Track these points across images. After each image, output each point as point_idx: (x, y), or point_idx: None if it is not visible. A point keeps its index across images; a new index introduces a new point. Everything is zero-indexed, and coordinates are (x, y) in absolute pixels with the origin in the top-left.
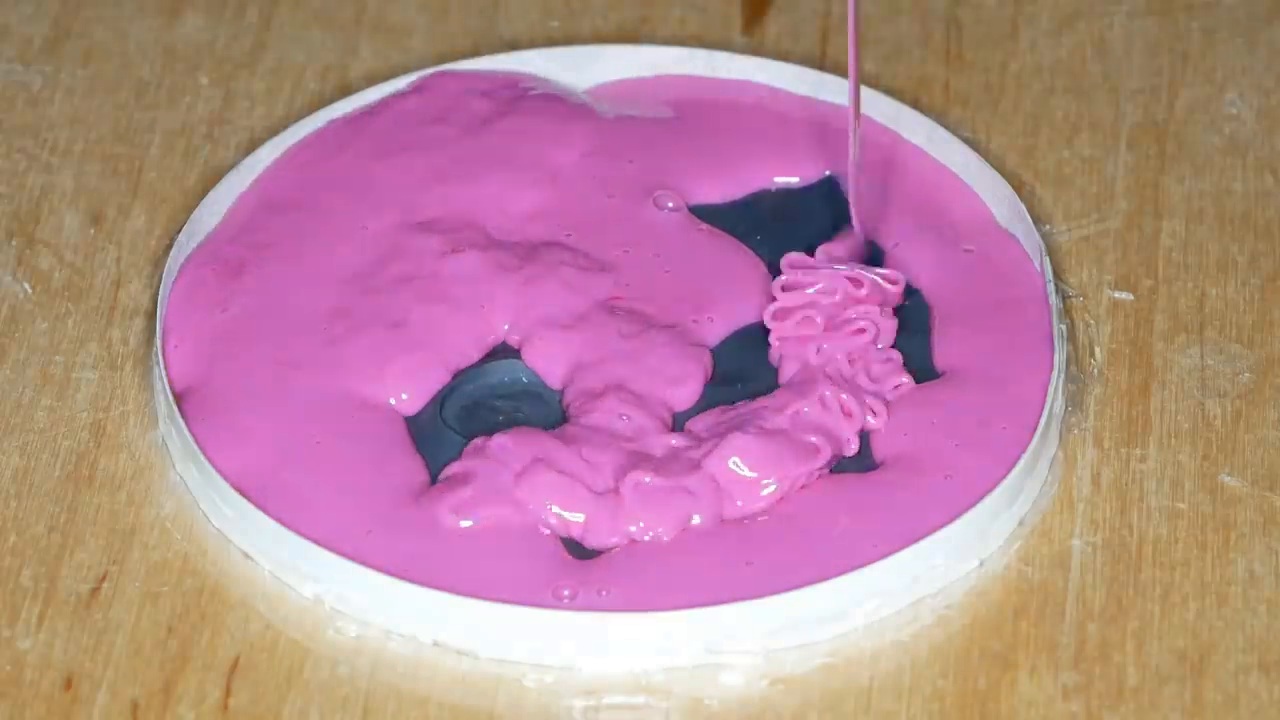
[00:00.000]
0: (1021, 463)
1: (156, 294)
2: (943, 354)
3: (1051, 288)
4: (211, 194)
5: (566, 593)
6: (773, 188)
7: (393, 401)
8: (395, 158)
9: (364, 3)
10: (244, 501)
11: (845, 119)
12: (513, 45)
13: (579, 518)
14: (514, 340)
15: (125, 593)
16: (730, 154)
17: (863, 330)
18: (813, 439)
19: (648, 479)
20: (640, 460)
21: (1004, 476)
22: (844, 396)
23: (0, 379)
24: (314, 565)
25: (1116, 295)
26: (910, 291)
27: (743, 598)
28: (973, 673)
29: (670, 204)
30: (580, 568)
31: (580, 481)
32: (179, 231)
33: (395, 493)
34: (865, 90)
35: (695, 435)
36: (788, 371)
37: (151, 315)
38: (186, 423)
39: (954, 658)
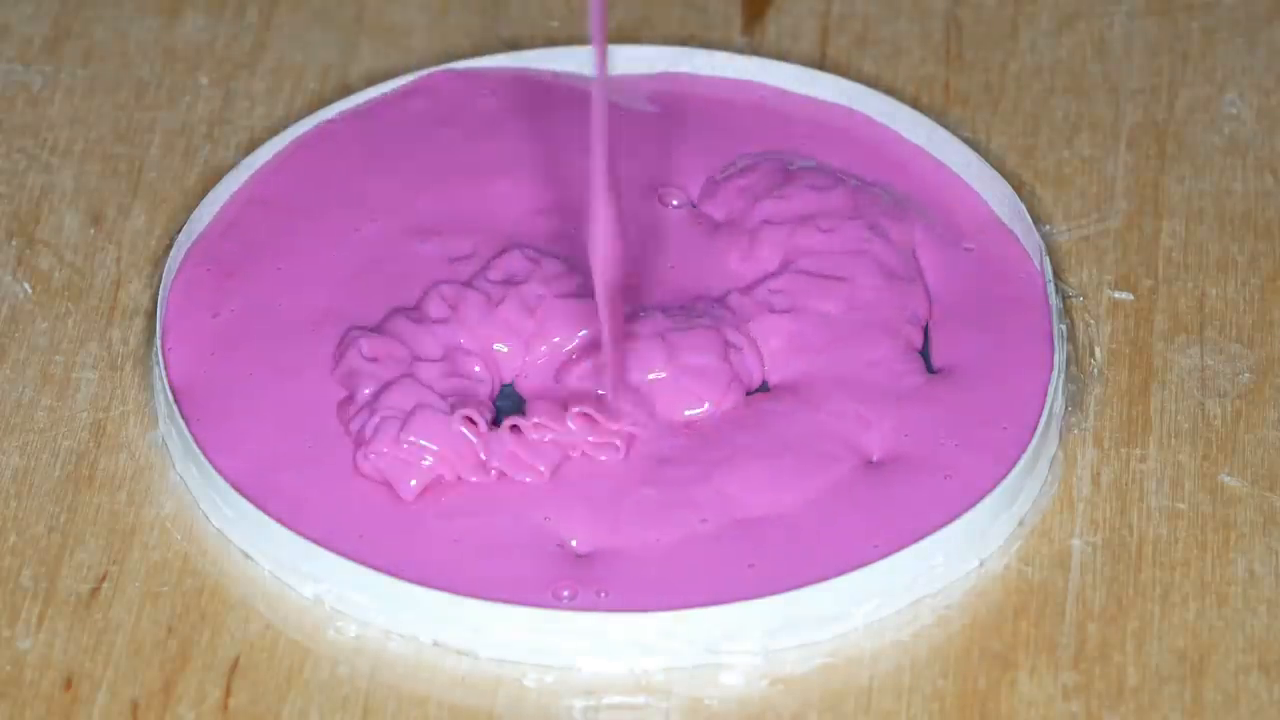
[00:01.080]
0: (1021, 463)
1: (156, 294)
2: (942, 353)
3: (1051, 288)
4: (211, 194)
5: (566, 593)
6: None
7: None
8: (396, 158)
9: (364, 3)
10: (244, 501)
11: (845, 116)
12: (513, 45)
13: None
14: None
15: (125, 593)
16: (733, 151)
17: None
18: (830, 448)
19: (647, 491)
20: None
21: (1004, 476)
22: (861, 409)
23: (0, 379)
24: (314, 565)
25: (1116, 295)
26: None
27: (743, 598)
28: (973, 673)
29: (675, 201)
30: (580, 569)
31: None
32: (179, 231)
33: (395, 489)
34: (866, 90)
35: (700, 432)
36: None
37: (151, 315)
38: (186, 423)
39: (954, 658)
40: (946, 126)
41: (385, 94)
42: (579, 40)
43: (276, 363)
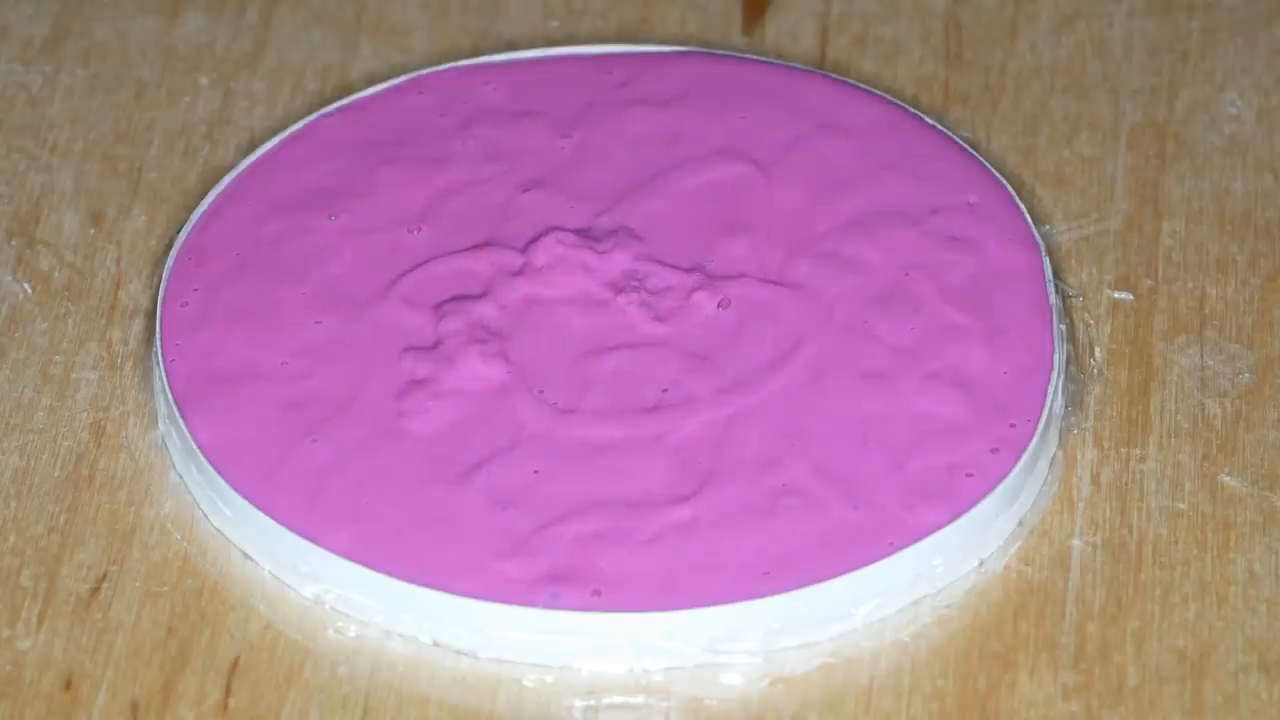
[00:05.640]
0: (1021, 463)
1: (156, 294)
2: (942, 354)
3: (1051, 288)
4: (211, 194)
5: (563, 594)
6: None
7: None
8: (396, 157)
9: (364, 3)
10: (244, 501)
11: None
12: (512, 45)
13: None
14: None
15: (125, 593)
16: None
17: None
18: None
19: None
20: None
21: (1004, 476)
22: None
23: (0, 379)
24: (314, 565)
25: (1116, 295)
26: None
27: (743, 598)
28: (973, 673)
29: None
30: (577, 568)
31: None
32: (179, 231)
33: (394, 490)
34: (865, 89)
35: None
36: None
37: (151, 315)
38: (186, 423)
39: (954, 658)
40: (946, 126)
41: (382, 89)
42: (578, 40)
43: (277, 361)
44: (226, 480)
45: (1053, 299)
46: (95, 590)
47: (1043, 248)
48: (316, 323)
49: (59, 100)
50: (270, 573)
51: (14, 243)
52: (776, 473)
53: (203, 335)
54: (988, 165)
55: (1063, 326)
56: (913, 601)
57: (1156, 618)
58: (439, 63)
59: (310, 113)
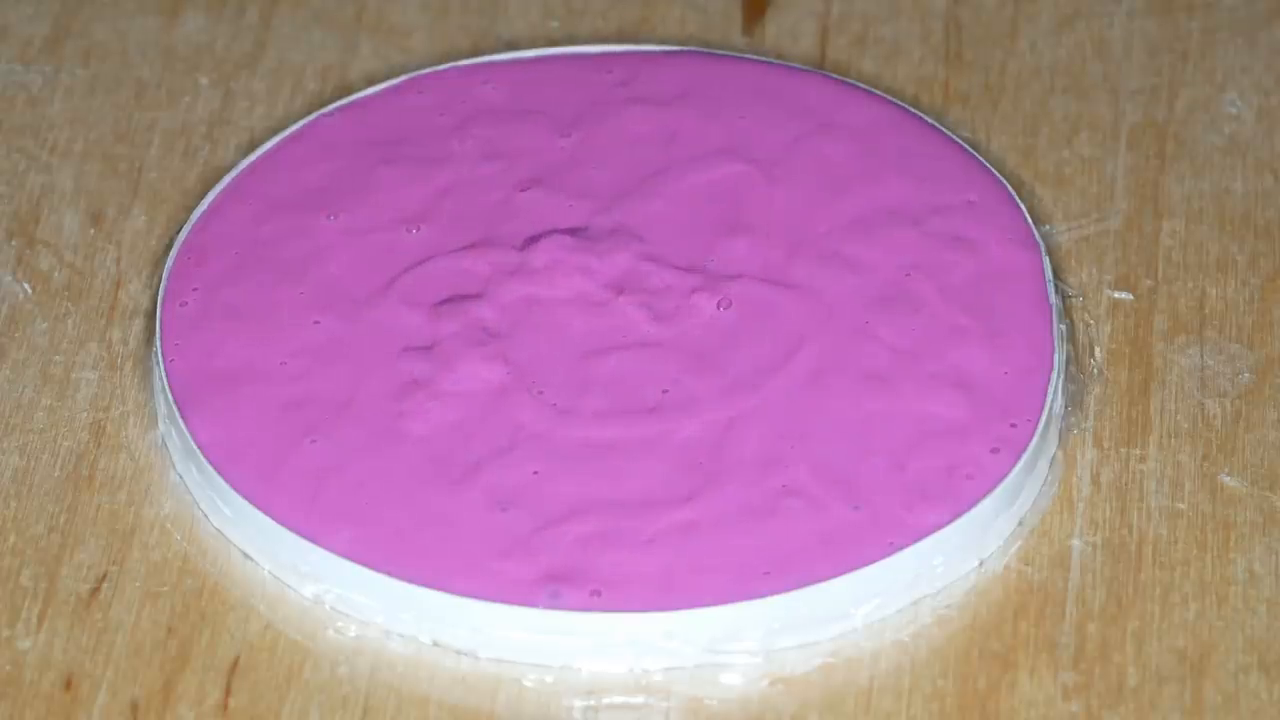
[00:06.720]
0: (1021, 463)
1: (156, 294)
2: (943, 354)
3: (1051, 288)
4: (211, 194)
5: (563, 594)
6: None
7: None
8: (395, 156)
9: (364, 3)
10: (244, 501)
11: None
12: (512, 45)
13: None
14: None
15: (125, 593)
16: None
17: None
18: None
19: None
20: None
21: (1004, 476)
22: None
23: (0, 379)
24: (314, 565)
25: (1116, 295)
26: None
27: (743, 598)
28: (973, 673)
29: None
30: (577, 568)
31: None
32: (179, 231)
33: (394, 490)
34: (865, 89)
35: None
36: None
37: (151, 315)
38: (186, 423)
39: (954, 658)
40: (946, 126)
41: (382, 89)
42: (578, 40)
43: (277, 361)
44: (226, 480)
45: (1053, 299)
46: (95, 590)
47: (1043, 248)
48: (315, 323)
49: (59, 100)
50: (270, 573)
51: (14, 243)
52: (777, 473)
53: (202, 335)
54: (988, 165)
55: (1063, 326)
56: (913, 601)
57: (1156, 618)
58: (439, 63)
59: (310, 113)
